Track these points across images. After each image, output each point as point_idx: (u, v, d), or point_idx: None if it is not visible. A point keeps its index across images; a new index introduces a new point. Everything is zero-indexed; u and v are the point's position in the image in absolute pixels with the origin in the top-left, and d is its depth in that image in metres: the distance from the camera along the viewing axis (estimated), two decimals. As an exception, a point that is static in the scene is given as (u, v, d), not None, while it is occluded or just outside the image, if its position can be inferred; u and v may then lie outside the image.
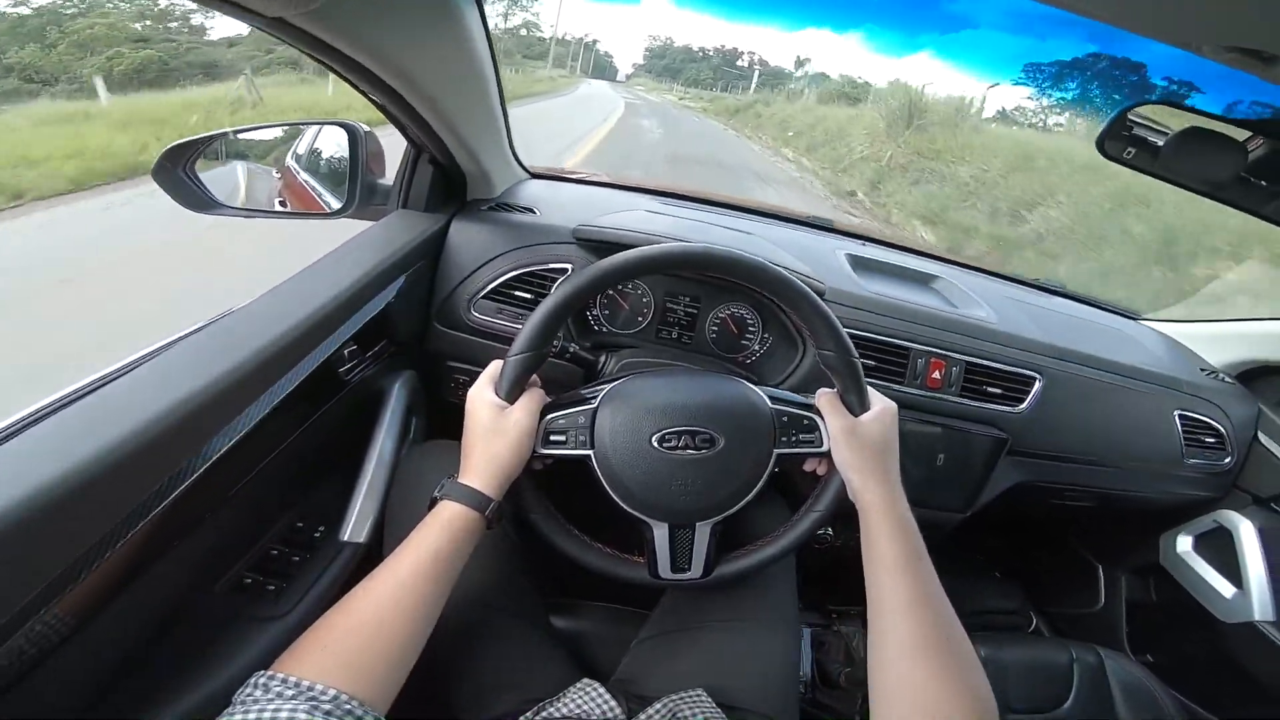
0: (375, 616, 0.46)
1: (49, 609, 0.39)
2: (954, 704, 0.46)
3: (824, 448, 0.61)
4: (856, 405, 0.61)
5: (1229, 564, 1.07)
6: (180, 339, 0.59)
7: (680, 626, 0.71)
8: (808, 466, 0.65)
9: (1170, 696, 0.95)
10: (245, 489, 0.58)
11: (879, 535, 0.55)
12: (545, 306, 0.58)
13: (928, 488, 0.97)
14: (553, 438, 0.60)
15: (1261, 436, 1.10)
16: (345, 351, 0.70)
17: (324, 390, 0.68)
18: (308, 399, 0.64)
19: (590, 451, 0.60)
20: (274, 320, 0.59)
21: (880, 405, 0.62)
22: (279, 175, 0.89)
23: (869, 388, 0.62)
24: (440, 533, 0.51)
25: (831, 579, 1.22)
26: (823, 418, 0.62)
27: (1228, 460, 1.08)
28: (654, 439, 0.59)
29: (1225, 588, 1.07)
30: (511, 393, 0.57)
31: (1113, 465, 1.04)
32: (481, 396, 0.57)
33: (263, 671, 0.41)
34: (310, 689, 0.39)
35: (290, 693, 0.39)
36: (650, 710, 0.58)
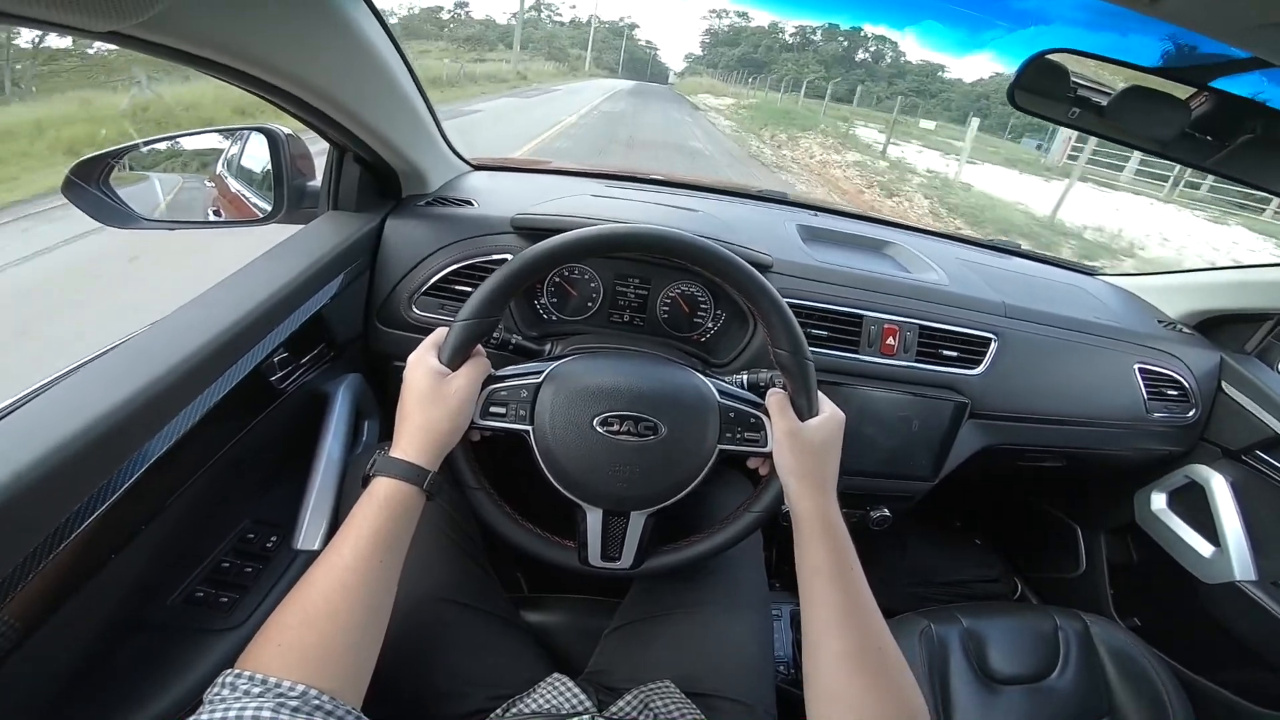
0: (326, 607, 0.44)
1: None
2: (887, 712, 0.48)
3: (767, 448, 0.61)
4: (805, 409, 0.60)
5: (1204, 521, 1.07)
6: (97, 356, 0.57)
7: (647, 614, 0.71)
8: (751, 464, 0.65)
9: (1160, 661, 0.94)
10: (184, 503, 0.57)
11: (810, 541, 0.55)
12: (500, 274, 0.57)
13: (897, 457, 0.97)
14: (493, 409, 0.59)
15: (1225, 387, 1.09)
16: (276, 359, 0.68)
17: (256, 400, 0.67)
18: (239, 410, 0.63)
19: (529, 427, 0.59)
20: (193, 333, 0.58)
21: (828, 412, 0.61)
22: (211, 184, 0.88)
23: (820, 395, 0.62)
24: (378, 511, 0.49)
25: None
26: (770, 418, 0.61)
27: (1193, 413, 1.08)
28: (595, 421, 0.58)
29: (1204, 547, 1.06)
30: (455, 359, 0.56)
31: (1077, 423, 1.03)
32: (423, 362, 0.56)
33: (230, 670, 0.40)
34: (278, 685, 0.39)
35: (258, 690, 0.38)
36: (621, 702, 0.58)
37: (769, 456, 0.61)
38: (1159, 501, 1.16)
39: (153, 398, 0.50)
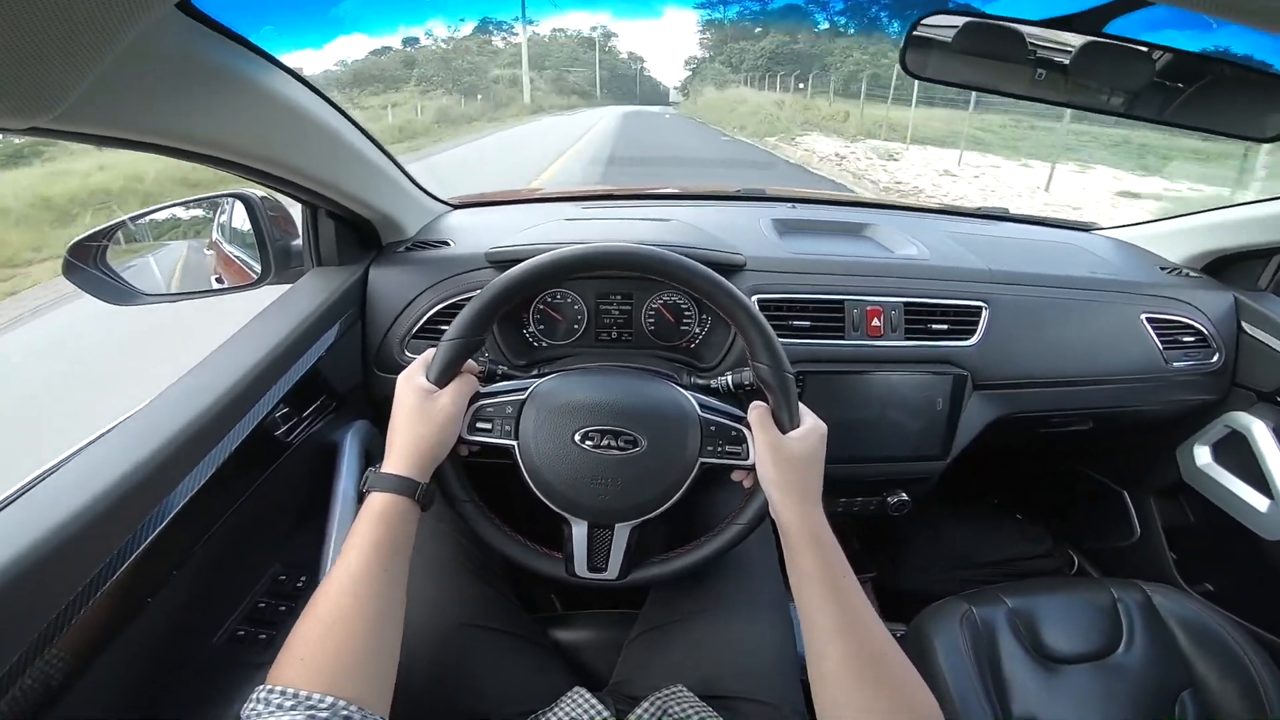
0: (339, 615, 0.47)
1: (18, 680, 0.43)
2: (895, 716, 0.48)
3: (749, 461, 0.61)
4: (786, 422, 0.60)
5: (1254, 472, 1.01)
6: (111, 429, 0.61)
7: (663, 621, 0.71)
8: (735, 477, 0.65)
9: (1237, 626, 0.87)
10: (210, 552, 0.61)
11: (799, 553, 0.55)
12: (484, 294, 0.59)
13: (903, 439, 0.94)
14: (479, 425, 0.60)
15: (1246, 326, 1.04)
16: (278, 415, 0.71)
17: (265, 454, 0.70)
18: (249, 464, 0.66)
19: (514, 442, 0.60)
20: (195, 398, 0.61)
21: (809, 424, 0.61)
22: (210, 251, 0.92)
23: (802, 406, 0.62)
24: (376, 524, 0.51)
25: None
26: (751, 431, 0.61)
27: (1216, 358, 1.03)
28: (576, 435, 0.59)
29: (1259, 501, 0.99)
30: (442, 377, 0.58)
31: (1091, 382, 0.99)
32: (411, 381, 0.58)
33: (263, 685, 0.42)
34: (308, 698, 0.41)
35: (289, 704, 0.40)
36: (639, 710, 0.58)
37: (752, 469, 0.61)
38: (1203, 456, 1.10)
39: (165, 460, 0.54)
